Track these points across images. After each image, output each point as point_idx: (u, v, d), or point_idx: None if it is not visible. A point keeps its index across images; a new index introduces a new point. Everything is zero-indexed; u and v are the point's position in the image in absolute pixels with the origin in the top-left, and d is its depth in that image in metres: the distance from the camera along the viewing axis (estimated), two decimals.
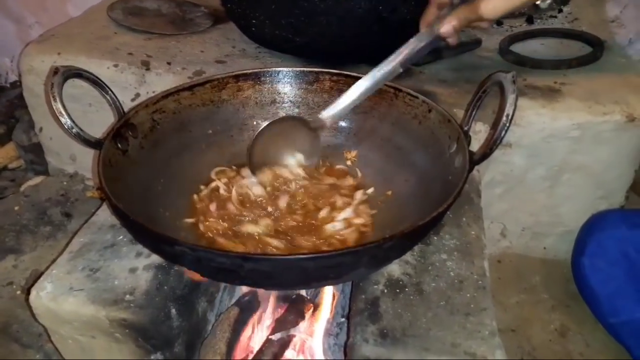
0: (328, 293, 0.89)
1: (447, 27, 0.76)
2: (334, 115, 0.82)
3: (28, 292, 0.76)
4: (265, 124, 0.88)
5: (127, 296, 0.71)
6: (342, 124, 0.95)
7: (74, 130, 0.72)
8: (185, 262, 0.67)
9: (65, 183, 1.39)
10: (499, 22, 1.41)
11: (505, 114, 0.67)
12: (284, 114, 0.96)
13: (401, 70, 0.79)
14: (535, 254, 1.21)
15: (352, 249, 0.63)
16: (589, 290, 1.03)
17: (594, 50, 1.17)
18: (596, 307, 1.03)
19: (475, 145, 0.75)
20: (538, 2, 0.75)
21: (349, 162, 0.93)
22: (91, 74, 0.79)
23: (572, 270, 1.08)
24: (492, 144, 0.69)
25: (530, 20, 1.41)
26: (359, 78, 0.91)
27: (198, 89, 0.90)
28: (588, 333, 1.06)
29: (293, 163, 0.88)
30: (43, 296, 0.73)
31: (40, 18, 1.98)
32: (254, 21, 1.10)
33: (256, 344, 0.84)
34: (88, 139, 0.74)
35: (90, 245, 0.80)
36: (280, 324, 0.85)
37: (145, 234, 0.65)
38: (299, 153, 0.87)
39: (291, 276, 0.64)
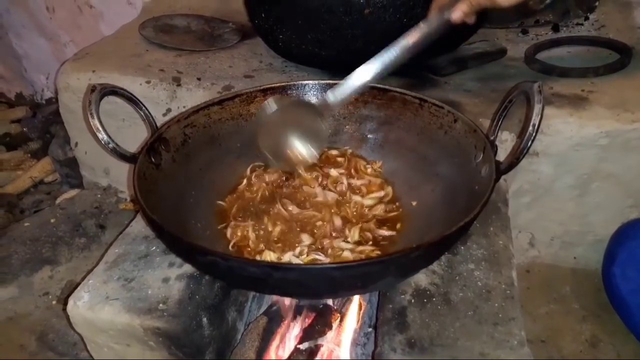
0: (355, 303, 0.90)
1: (457, 13, 0.75)
2: (341, 99, 0.81)
3: (65, 302, 0.79)
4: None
5: (161, 305, 0.73)
6: (368, 134, 0.96)
7: (110, 145, 0.75)
8: (216, 272, 0.69)
9: (99, 196, 1.44)
10: (524, 30, 1.41)
11: (531, 123, 0.68)
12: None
13: (409, 56, 0.77)
14: (565, 263, 1.19)
15: (379, 258, 0.64)
16: (620, 300, 1.01)
17: (621, 57, 1.16)
18: (627, 317, 1.01)
19: (502, 154, 0.76)
20: None
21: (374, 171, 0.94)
22: (126, 91, 0.82)
23: (602, 280, 1.06)
24: (518, 154, 0.69)
25: (556, 28, 1.40)
26: (384, 90, 0.93)
27: (227, 103, 0.92)
28: (619, 343, 1.04)
29: (303, 150, 0.87)
30: (80, 305, 0.75)
31: (74, 37, 2.05)
32: (281, 36, 1.13)
33: (284, 353, 0.85)
34: (124, 153, 0.77)
35: (125, 255, 0.82)
36: (308, 334, 0.87)
37: (179, 244, 0.67)
38: (307, 140, 0.86)
39: (319, 285, 0.65)
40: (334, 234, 0.81)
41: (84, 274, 1.24)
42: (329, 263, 0.71)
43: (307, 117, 0.83)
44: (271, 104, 0.82)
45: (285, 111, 0.84)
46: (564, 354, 1.02)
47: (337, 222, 0.82)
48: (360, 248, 0.78)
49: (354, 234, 0.80)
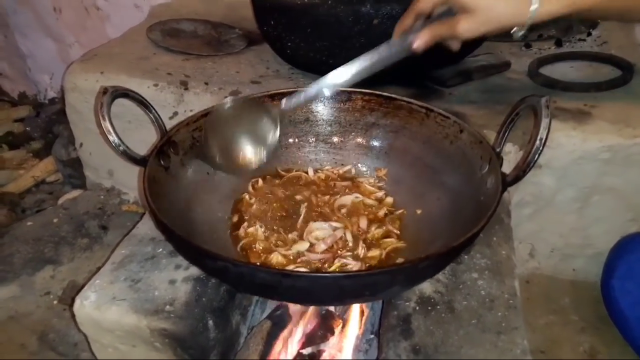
0: (357, 310, 0.91)
1: (419, 42, 0.77)
2: (293, 106, 0.82)
3: (68, 303, 0.79)
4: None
5: (167, 307, 0.74)
6: (374, 142, 0.97)
7: (121, 148, 0.76)
8: (226, 277, 0.69)
9: (102, 197, 1.44)
10: (527, 44, 1.43)
11: (538, 137, 0.69)
12: (314, 130, 0.99)
13: (365, 76, 0.78)
14: (565, 275, 1.20)
15: (388, 268, 0.65)
16: (618, 312, 1.02)
17: (623, 74, 1.18)
18: (626, 329, 1.02)
19: (505, 166, 0.77)
20: (513, 31, 0.77)
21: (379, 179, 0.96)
22: (136, 93, 0.83)
23: (601, 293, 1.08)
24: (525, 167, 0.70)
25: (559, 43, 1.42)
26: (390, 98, 0.94)
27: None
28: (617, 355, 1.05)
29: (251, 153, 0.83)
30: (87, 305, 0.76)
31: (80, 38, 2.07)
32: (289, 44, 1.14)
33: (287, 358, 0.85)
34: (134, 156, 0.78)
35: (131, 256, 0.83)
36: (311, 339, 0.87)
37: (189, 248, 0.68)
38: (257, 143, 0.83)
39: (328, 293, 0.66)
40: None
41: (85, 274, 1.24)
42: (338, 272, 0.72)
43: (259, 118, 0.82)
44: (224, 104, 0.82)
45: (237, 110, 0.83)
46: None
47: (363, 223, 0.85)
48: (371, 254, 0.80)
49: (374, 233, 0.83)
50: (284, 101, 0.82)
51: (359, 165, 0.98)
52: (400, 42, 0.79)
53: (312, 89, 0.80)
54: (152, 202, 0.70)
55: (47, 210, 1.45)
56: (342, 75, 0.78)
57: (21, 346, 1.11)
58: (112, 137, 0.76)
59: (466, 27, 0.75)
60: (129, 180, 1.39)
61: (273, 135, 0.82)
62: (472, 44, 1.17)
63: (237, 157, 0.82)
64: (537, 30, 1.45)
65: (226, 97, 1.15)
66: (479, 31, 0.75)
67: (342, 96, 0.97)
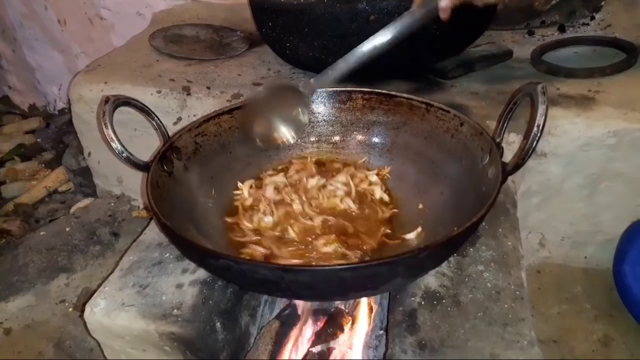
0: (366, 306, 0.91)
1: (444, 2, 0.73)
2: (320, 85, 0.82)
3: (81, 309, 0.81)
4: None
5: (175, 311, 0.75)
6: (375, 139, 0.97)
7: (124, 154, 0.77)
8: (229, 275, 0.70)
9: (112, 204, 1.46)
10: (530, 32, 1.41)
11: (536, 124, 0.69)
12: (315, 131, 1.00)
13: (389, 46, 0.76)
14: (576, 263, 1.19)
15: (388, 259, 0.65)
16: (631, 298, 1.01)
17: (628, 57, 1.16)
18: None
19: (509, 156, 0.76)
20: None
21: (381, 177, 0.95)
22: (138, 101, 0.84)
23: (613, 279, 1.06)
24: (524, 155, 0.70)
25: (562, 29, 1.40)
26: (390, 95, 0.94)
27: (237, 112, 0.94)
28: (632, 342, 1.03)
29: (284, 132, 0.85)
30: (97, 312, 0.77)
31: (86, 48, 2.09)
32: (288, 44, 1.14)
33: (297, 356, 0.86)
34: (137, 162, 0.79)
35: (139, 262, 0.84)
36: (320, 337, 0.88)
37: (192, 249, 0.68)
38: (289, 123, 0.84)
39: (329, 286, 0.66)
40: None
41: (99, 281, 1.26)
42: (339, 264, 0.72)
43: (290, 102, 0.83)
44: (260, 90, 0.84)
45: (271, 95, 0.85)
46: (576, 354, 1.02)
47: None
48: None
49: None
50: (312, 80, 0.82)
51: (362, 164, 0.98)
52: (422, 8, 0.75)
53: (337, 70, 0.79)
54: (156, 207, 0.71)
55: (60, 219, 1.47)
56: (363, 52, 0.77)
57: (38, 354, 1.13)
58: (115, 144, 0.77)
59: None
60: (137, 187, 1.41)
61: (304, 114, 0.84)
62: (474, 31, 1.16)
63: (275, 138, 0.85)
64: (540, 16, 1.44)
65: (228, 100, 1.16)
66: None
67: (342, 96, 0.98)
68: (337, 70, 0.79)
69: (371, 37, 0.76)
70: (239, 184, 0.92)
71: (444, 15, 0.74)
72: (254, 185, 0.92)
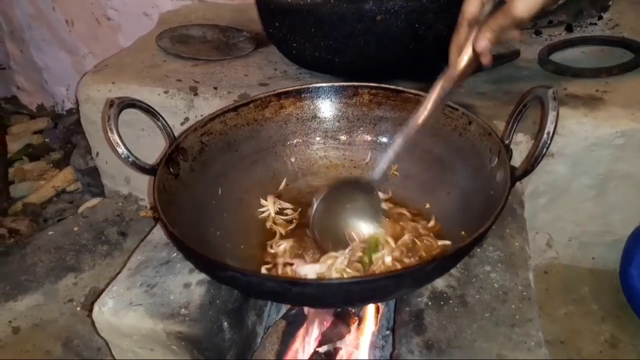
0: (372, 306, 0.91)
1: (482, 43, 0.68)
2: (384, 170, 0.81)
3: (89, 309, 0.81)
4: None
5: (183, 310, 0.75)
6: (383, 139, 0.97)
7: (130, 159, 0.77)
8: (236, 285, 0.70)
9: (120, 204, 1.46)
10: (537, 31, 1.41)
11: (546, 131, 0.68)
12: (322, 127, 0.99)
13: (436, 114, 0.76)
14: (583, 264, 1.19)
15: (395, 273, 0.64)
16: (638, 301, 1.00)
17: (635, 57, 1.16)
18: None
19: (516, 156, 0.76)
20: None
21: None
22: (143, 103, 0.84)
23: (620, 280, 1.06)
24: (533, 161, 0.70)
25: (569, 29, 1.39)
26: (398, 91, 0.93)
27: (242, 109, 0.94)
28: None
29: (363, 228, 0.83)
30: (105, 311, 0.77)
31: (93, 49, 2.10)
32: (294, 44, 1.15)
33: (304, 356, 0.86)
34: (143, 166, 0.79)
35: (147, 262, 0.85)
36: (327, 337, 0.88)
37: (199, 259, 0.68)
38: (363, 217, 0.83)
39: (336, 298, 0.66)
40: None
41: (107, 281, 1.26)
42: (345, 278, 0.72)
43: (356, 194, 0.82)
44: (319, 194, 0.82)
45: (333, 194, 0.82)
46: (584, 355, 1.02)
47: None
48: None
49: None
50: (372, 173, 0.82)
51: (368, 160, 0.98)
52: (455, 69, 0.74)
53: (394, 146, 0.79)
54: (163, 213, 0.71)
55: (68, 219, 1.48)
56: (413, 127, 0.77)
57: (46, 353, 1.14)
58: (121, 149, 0.77)
59: (524, 5, 0.66)
60: (145, 187, 1.41)
61: (375, 205, 0.83)
62: None
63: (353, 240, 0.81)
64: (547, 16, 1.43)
65: (235, 100, 1.16)
66: (536, 4, 0.66)
67: (348, 91, 0.97)
68: (390, 153, 0.80)
69: (415, 115, 0.77)
70: (262, 201, 0.92)
71: (485, 60, 0.71)
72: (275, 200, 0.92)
